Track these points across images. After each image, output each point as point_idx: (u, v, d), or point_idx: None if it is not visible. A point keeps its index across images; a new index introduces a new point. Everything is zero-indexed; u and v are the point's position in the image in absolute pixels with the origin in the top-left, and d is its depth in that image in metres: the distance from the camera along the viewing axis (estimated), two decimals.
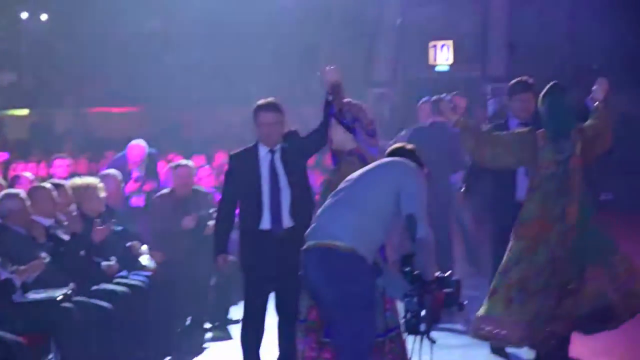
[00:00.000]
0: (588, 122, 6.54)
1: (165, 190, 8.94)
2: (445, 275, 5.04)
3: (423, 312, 4.88)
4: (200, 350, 8.14)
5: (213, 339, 8.49)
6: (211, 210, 8.48)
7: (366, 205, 5.12)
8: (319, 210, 5.32)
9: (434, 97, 9.88)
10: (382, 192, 5.16)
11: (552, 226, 6.36)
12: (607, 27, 20.39)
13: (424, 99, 10.18)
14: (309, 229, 5.27)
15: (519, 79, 7.25)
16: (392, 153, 5.54)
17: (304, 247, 5.22)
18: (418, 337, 4.95)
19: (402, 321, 5.11)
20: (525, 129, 6.69)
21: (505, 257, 6.42)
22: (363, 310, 5.04)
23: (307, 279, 5.22)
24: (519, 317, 6.28)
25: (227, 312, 8.88)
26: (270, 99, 6.67)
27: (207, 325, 8.71)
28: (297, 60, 21.98)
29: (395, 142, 6.38)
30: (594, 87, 6.73)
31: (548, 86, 6.56)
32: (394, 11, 23.32)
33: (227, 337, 8.40)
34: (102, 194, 7.84)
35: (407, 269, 4.92)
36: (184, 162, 9.12)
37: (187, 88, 21.51)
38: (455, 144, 9.36)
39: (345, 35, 23.63)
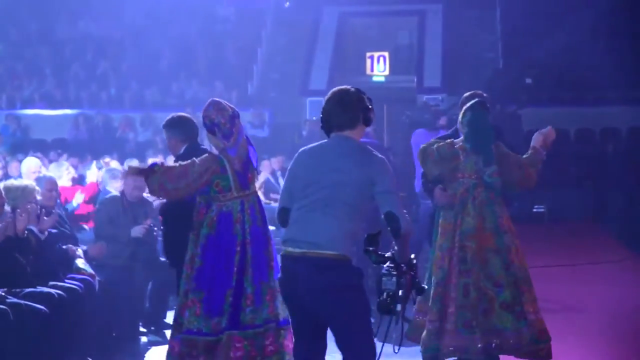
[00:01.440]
0: (524, 156, 6.72)
1: (113, 194, 8.88)
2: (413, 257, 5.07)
3: (400, 292, 4.86)
4: (137, 354, 8.10)
5: (149, 344, 8.46)
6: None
7: (344, 207, 5.01)
8: (294, 215, 5.12)
9: None
10: (358, 191, 5.04)
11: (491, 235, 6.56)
12: (542, 42, 20.76)
13: None
14: (287, 233, 5.13)
15: (472, 92, 7.35)
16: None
17: (286, 252, 5.10)
18: (392, 318, 4.90)
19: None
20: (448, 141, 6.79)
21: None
22: (368, 313, 5.03)
23: (295, 288, 5.04)
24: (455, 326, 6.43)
25: (163, 316, 8.84)
26: None
27: (143, 330, 8.68)
28: (233, 68, 21.98)
29: None
30: (545, 130, 6.91)
31: (471, 102, 6.74)
32: (330, 21, 23.48)
33: (164, 341, 8.36)
34: (37, 197, 7.77)
35: (371, 248, 4.87)
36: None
37: (122, 92, 21.38)
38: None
39: (282, 44, 23.75)
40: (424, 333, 6.56)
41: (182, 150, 7.02)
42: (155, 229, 8.65)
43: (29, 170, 9.68)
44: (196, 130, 7.22)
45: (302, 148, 5.32)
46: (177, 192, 6.34)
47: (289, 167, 5.30)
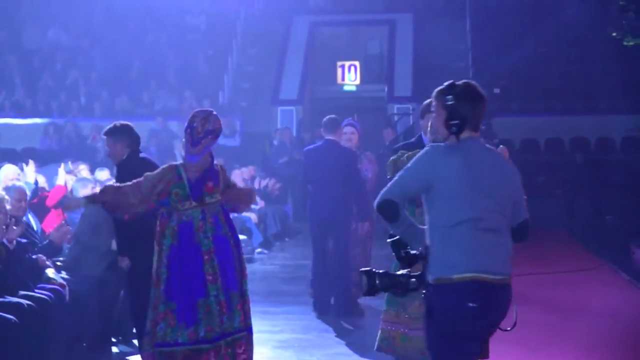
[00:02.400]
0: None
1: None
2: None
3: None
4: None
5: (121, 354, 8.41)
6: None
7: (508, 223, 4.61)
8: (464, 234, 4.46)
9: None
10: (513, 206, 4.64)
11: None
12: (510, 52, 20.91)
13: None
14: (470, 257, 4.45)
15: (430, 99, 7.38)
16: None
17: (479, 278, 4.45)
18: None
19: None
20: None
21: None
22: None
23: (493, 318, 4.56)
24: None
25: (131, 326, 8.77)
26: None
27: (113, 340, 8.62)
28: (204, 77, 21.96)
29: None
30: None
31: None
32: (301, 30, 23.53)
33: (134, 351, 8.32)
34: (7, 206, 7.72)
35: (404, 251, 4.58)
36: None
37: (92, 101, 21.28)
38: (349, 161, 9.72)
39: (252, 53, 23.76)
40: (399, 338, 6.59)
41: (125, 156, 7.47)
42: None
43: (7, 178, 9.59)
44: (139, 138, 7.67)
45: (433, 146, 4.65)
46: (134, 207, 6.44)
47: (413, 164, 4.57)
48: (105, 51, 22.44)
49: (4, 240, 7.13)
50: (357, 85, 23.57)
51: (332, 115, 10.21)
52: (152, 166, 7.16)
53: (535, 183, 17.53)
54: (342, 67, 23.71)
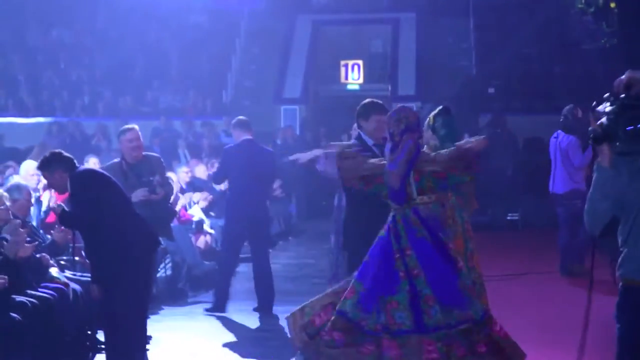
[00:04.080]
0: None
1: (114, 161, 8.69)
2: None
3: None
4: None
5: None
6: None
7: None
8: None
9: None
10: None
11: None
12: (513, 51, 20.90)
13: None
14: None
15: (371, 100, 7.35)
16: None
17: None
18: None
19: None
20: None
21: None
22: None
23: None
24: None
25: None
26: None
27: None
28: (207, 76, 21.96)
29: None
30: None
31: (438, 109, 6.92)
32: (304, 29, 23.52)
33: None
34: (7, 203, 7.75)
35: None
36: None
37: (95, 100, 21.29)
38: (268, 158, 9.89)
39: (256, 52, 23.75)
40: None
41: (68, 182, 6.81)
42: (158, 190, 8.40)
43: (27, 173, 9.59)
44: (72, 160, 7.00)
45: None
46: (360, 180, 6.46)
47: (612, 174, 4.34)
48: (108, 50, 22.45)
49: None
50: (360, 84, 23.57)
51: (240, 117, 10.30)
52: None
53: (537, 183, 17.49)
54: (346, 66, 23.72)
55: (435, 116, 6.91)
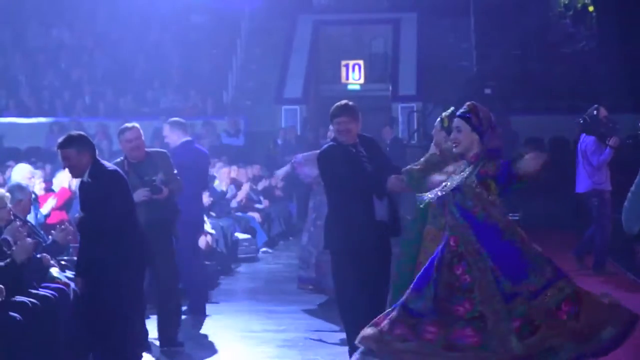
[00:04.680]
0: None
1: (118, 160, 8.52)
2: None
3: None
4: None
5: None
6: None
7: None
8: None
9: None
10: None
11: None
12: (514, 51, 20.92)
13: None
14: None
15: (337, 103, 7.35)
16: None
17: None
18: None
19: None
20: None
21: None
22: None
23: None
24: None
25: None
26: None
27: None
28: (208, 76, 21.97)
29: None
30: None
31: (451, 110, 6.93)
32: (305, 29, 23.53)
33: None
34: (8, 204, 7.76)
35: None
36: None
37: (96, 100, 21.30)
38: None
39: (257, 52, 23.76)
40: None
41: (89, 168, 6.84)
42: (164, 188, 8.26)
43: (23, 177, 9.59)
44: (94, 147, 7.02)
45: None
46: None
47: None
48: (109, 50, 22.46)
49: (11, 241, 7.15)
50: (361, 84, 23.60)
51: (176, 118, 10.02)
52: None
53: (539, 182, 17.47)
54: (347, 66, 23.74)
55: (449, 117, 6.90)
